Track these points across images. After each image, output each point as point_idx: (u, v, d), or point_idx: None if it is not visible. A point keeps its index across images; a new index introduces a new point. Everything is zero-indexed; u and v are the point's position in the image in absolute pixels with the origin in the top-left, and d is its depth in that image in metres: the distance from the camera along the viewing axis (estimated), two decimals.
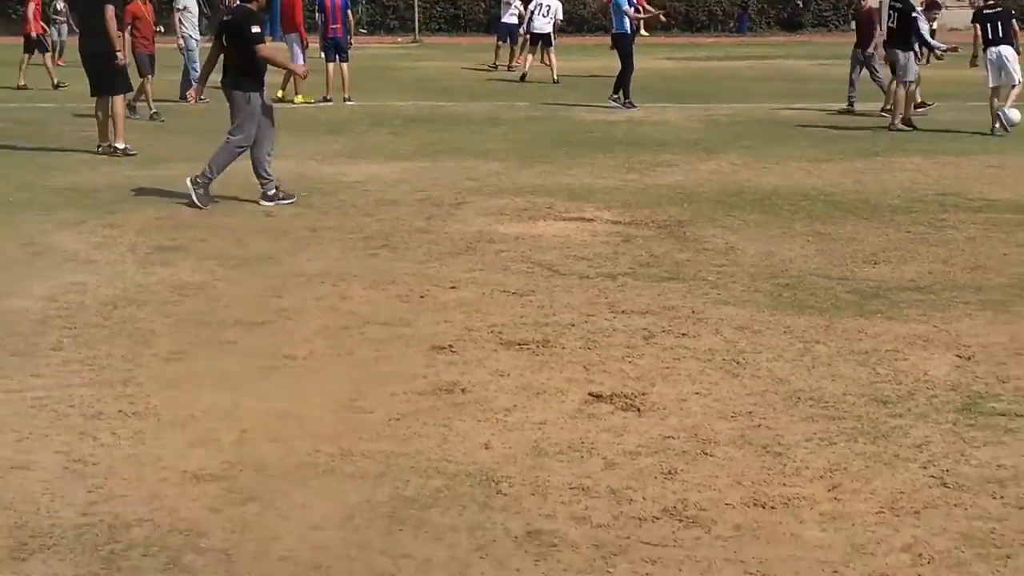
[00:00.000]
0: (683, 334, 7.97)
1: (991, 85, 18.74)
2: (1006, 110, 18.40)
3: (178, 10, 23.59)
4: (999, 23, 18.79)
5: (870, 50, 21.46)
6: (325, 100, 23.46)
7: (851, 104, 21.68)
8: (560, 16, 30.31)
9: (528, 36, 30.23)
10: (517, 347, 7.67)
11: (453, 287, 9.22)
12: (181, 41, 23.17)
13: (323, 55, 24.34)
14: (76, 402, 6.62)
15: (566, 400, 6.71)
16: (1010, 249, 10.62)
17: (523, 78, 28.80)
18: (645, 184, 14.10)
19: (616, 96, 22.53)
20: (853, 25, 25.35)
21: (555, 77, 28.50)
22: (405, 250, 10.56)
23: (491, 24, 43.80)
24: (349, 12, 25.12)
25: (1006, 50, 18.62)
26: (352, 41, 26.07)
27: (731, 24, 54.45)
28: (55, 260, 10.12)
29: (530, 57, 29.75)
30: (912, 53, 19.41)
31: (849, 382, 7.03)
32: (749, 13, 54.40)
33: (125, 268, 9.84)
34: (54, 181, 14.19)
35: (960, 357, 7.49)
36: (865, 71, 21.72)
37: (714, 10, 54.44)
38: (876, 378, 7.10)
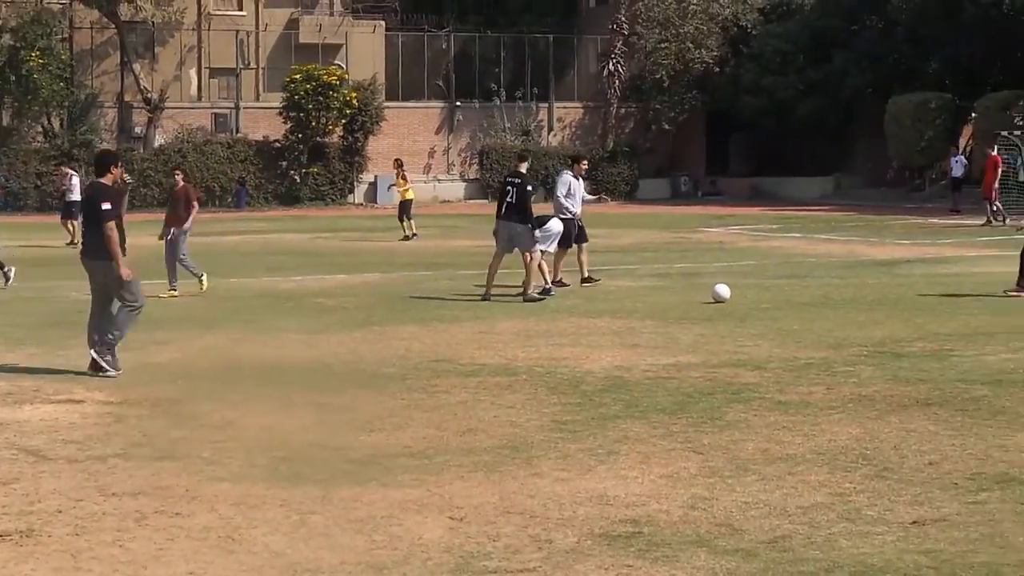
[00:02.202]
0: (177, 513, 7.85)
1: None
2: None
3: None
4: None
5: None
6: None
7: None
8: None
9: None
10: None
11: None
12: None
13: None
14: None
15: None
16: (499, 411, 11.11)
17: None
18: (139, 363, 13.79)
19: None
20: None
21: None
22: None
23: None
24: None
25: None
26: None
27: (229, 199, 54.80)
28: None
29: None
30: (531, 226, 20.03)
31: (346, 551, 7.11)
32: (247, 188, 55.03)
33: None
34: None
35: (453, 519, 7.74)
36: None
37: (211, 186, 54.64)
38: (372, 545, 7.23)
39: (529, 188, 20.12)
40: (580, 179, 21.75)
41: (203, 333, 16.18)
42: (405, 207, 34.76)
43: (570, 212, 21.34)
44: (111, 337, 13.18)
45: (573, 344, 15.03)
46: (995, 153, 38.36)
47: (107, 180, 13.48)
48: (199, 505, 8.06)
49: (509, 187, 20.12)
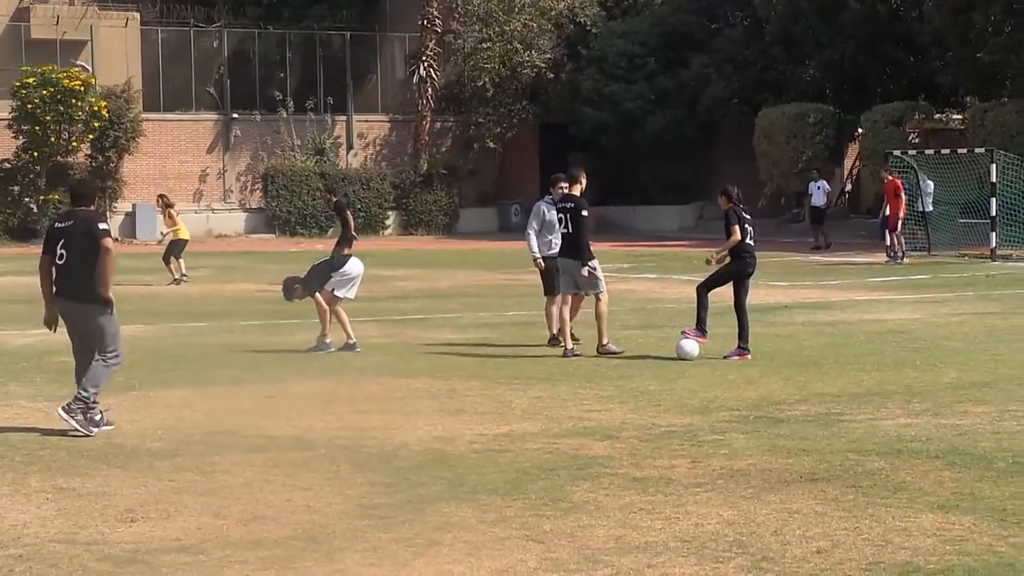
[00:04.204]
0: None
1: None
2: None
3: None
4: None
5: None
6: None
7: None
8: None
9: None
10: None
11: None
12: None
13: None
14: None
15: None
16: (293, 494, 11.03)
17: None
18: None
19: None
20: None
21: None
22: None
23: None
24: None
25: None
26: None
27: None
28: None
29: None
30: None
31: None
32: None
33: None
34: None
35: None
36: None
37: None
38: None
39: (585, 213, 20.01)
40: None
41: None
42: (175, 247, 34.54)
43: (552, 249, 20.35)
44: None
45: (383, 411, 15.01)
46: (892, 177, 39.20)
47: None
48: None
49: (563, 214, 19.95)
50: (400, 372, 18.02)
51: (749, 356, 18.65)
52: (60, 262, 13.84)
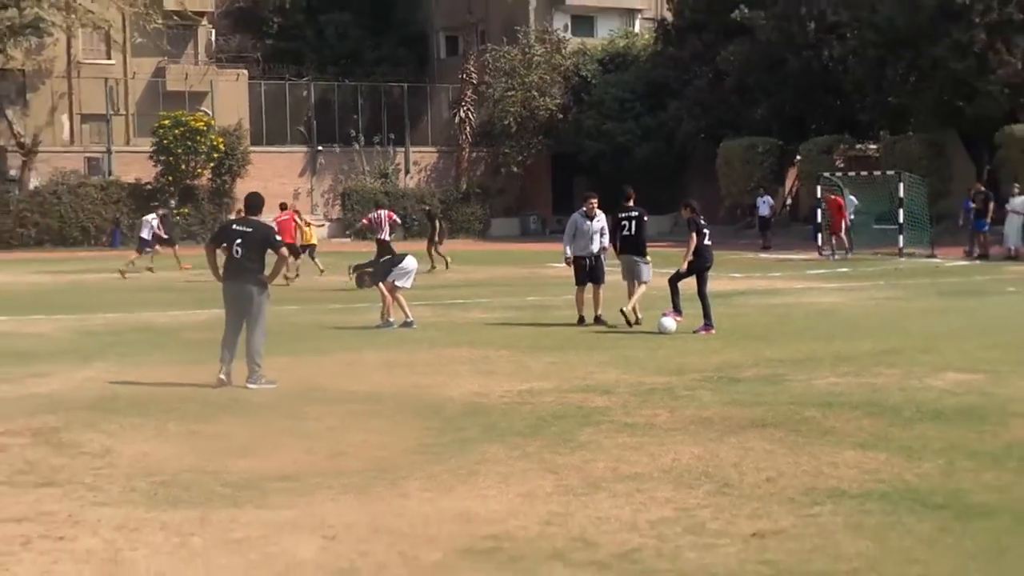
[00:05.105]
0: (61, 538, 7.70)
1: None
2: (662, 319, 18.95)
3: None
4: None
5: None
6: None
7: None
8: None
9: None
10: None
11: None
12: None
13: None
14: None
15: None
16: (367, 436, 11.07)
17: None
18: (19, 395, 13.51)
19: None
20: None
21: None
22: None
23: None
24: None
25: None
26: None
27: (104, 239, 54.00)
28: None
29: None
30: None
31: (224, 571, 7.05)
32: (121, 228, 54.19)
33: None
34: None
35: (325, 538, 7.70)
36: None
37: (87, 226, 53.96)
38: (249, 564, 7.16)
39: (646, 219, 20.01)
40: (591, 219, 20.23)
41: (81, 366, 15.84)
42: (307, 249, 33.12)
43: (583, 251, 20.12)
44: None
45: (434, 373, 15.03)
46: (835, 196, 39.53)
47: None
48: (82, 529, 7.91)
49: (625, 221, 19.87)
50: (446, 343, 18.04)
51: (713, 331, 18.63)
52: (236, 256, 13.96)
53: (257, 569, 7.08)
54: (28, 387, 14.08)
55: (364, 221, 33.96)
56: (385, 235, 31.12)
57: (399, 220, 34.49)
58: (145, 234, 36.43)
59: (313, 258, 33.31)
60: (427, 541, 7.62)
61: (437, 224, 35.64)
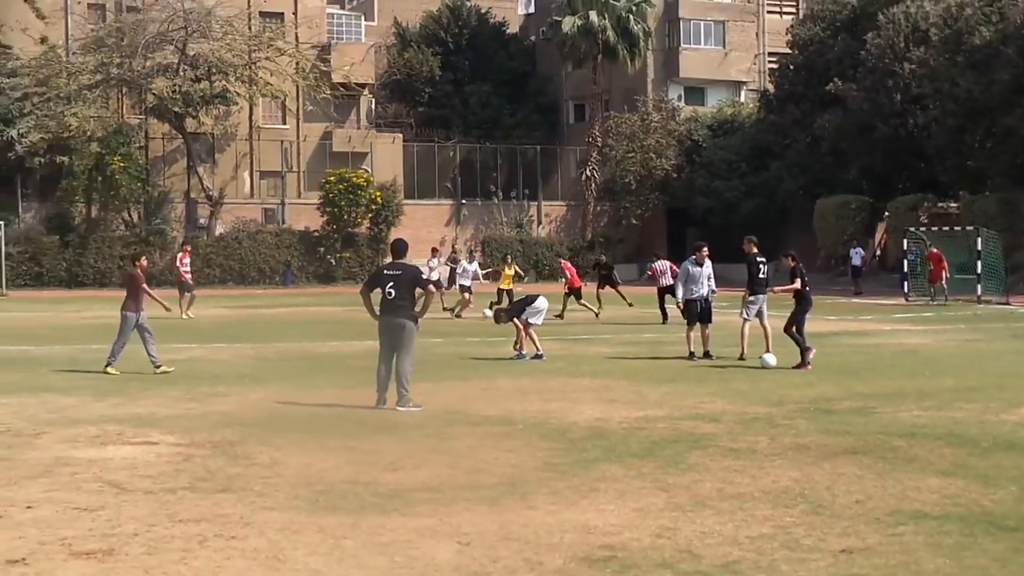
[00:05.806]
0: (233, 537, 7.78)
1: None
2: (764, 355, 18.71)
3: None
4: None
5: None
6: None
7: None
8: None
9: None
10: (85, 556, 7.25)
11: (29, 507, 8.63)
12: None
13: None
14: None
15: None
16: (500, 454, 11.04)
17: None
18: (203, 411, 13.78)
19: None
20: None
21: None
22: None
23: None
24: None
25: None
26: None
27: (277, 279, 55.08)
28: None
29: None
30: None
31: (372, 570, 7.05)
32: (292, 269, 55.25)
33: None
34: None
35: (461, 544, 7.68)
36: None
37: (263, 267, 55.22)
38: (394, 565, 7.16)
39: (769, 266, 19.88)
40: (701, 265, 20.21)
41: (255, 388, 16.10)
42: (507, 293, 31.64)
43: (694, 295, 20.06)
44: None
45: (561, 399, 14.97)
46: (936, 250, 38.38)
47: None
48: (251, 530, 7.99)
49: (762, 264, 19.89)
50: (572, 374, 17.97)
51: (810, 367, 18.29)
52: (389, 297, 13.97)
53: (400, 569, 7.07)
54: (211, 405, 14.34)
55: (649, 272, 32.50)
56: (666, 282, 29.45)
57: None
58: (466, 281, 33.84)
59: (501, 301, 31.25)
60: (550, 549, 7.55)
61: (612, 273, 35.46)
